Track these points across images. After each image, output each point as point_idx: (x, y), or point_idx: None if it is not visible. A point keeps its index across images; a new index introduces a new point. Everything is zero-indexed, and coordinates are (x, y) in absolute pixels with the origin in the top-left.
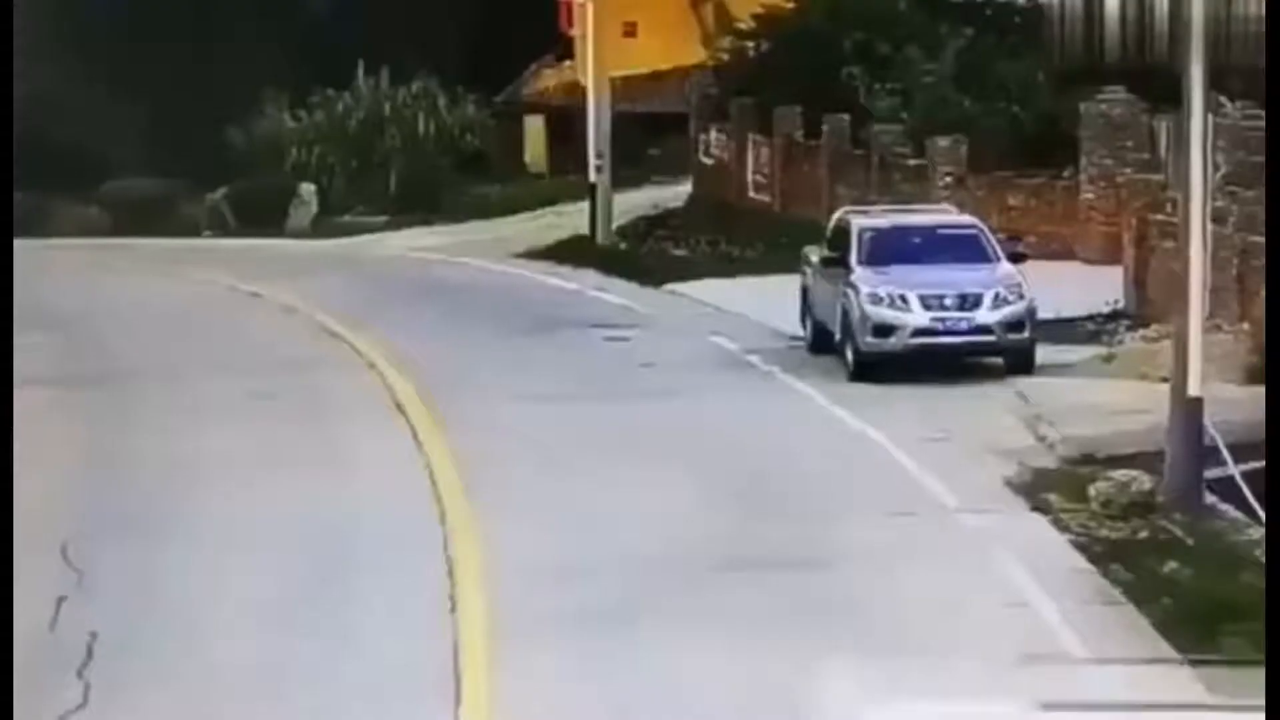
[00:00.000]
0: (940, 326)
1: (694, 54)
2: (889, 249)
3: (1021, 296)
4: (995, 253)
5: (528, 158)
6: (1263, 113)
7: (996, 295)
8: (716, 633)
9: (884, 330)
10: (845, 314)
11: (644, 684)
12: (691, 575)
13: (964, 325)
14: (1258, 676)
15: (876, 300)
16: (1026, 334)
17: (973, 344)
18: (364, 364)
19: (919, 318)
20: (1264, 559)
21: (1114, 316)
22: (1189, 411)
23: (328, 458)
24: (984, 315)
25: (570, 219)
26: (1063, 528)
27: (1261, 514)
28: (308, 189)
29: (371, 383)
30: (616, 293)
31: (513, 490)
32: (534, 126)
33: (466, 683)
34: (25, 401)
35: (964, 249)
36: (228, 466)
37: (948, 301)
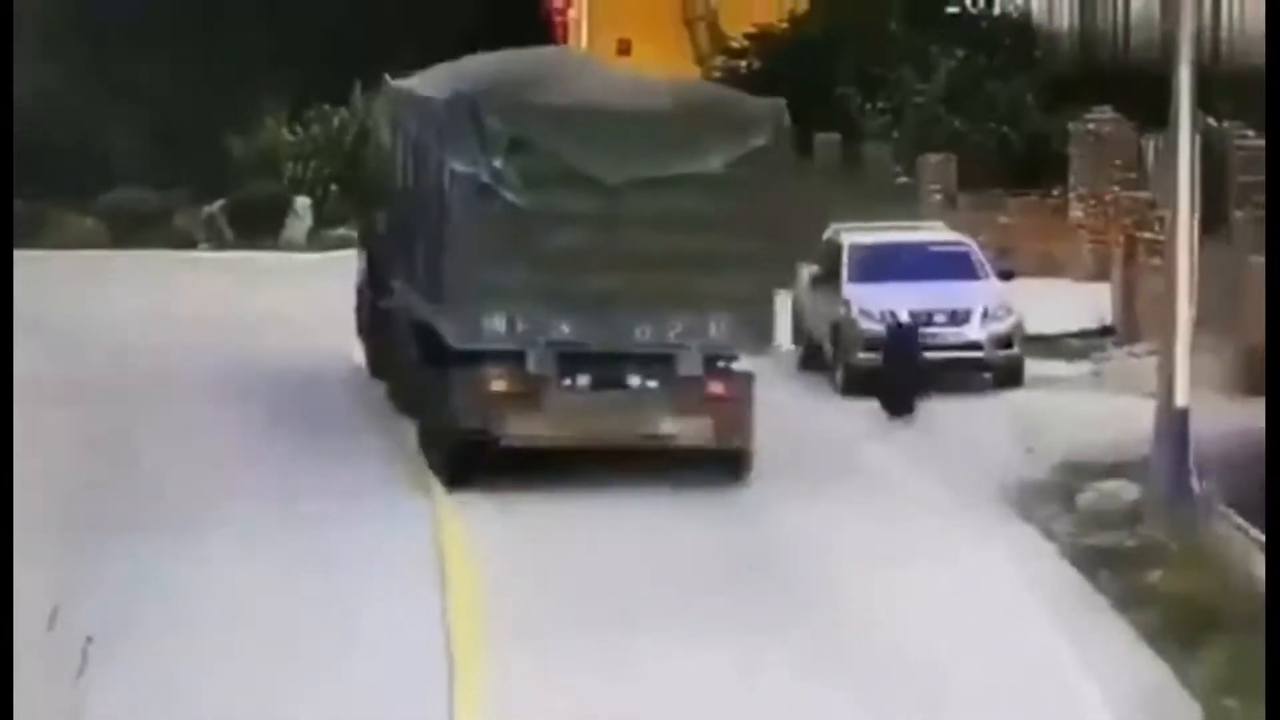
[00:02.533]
0: (930, 341)
1: (688, 71)
2: (879, 265)
3: (1010, 312)
4: (984, 270)
5: None
6: (1250, 133)
7: (985, 311)
8: None
9: (875, 345)
10: (836, 329)
11: None
12: None
13: (953, 340)
14: None
15: (867, 315)
16: (1015, 349)
17: (961, 359)
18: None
19: None
20: (1261, 561)
21: (1102, 332)
22: (1175, 423)
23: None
24: (973, 331)
25: None
26: (1051, 537)
27: (1244, 522)
28: (303, 203)
29: (373, 392)
30: None
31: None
32: None
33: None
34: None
35: (953, 266)
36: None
37: (937, 317)
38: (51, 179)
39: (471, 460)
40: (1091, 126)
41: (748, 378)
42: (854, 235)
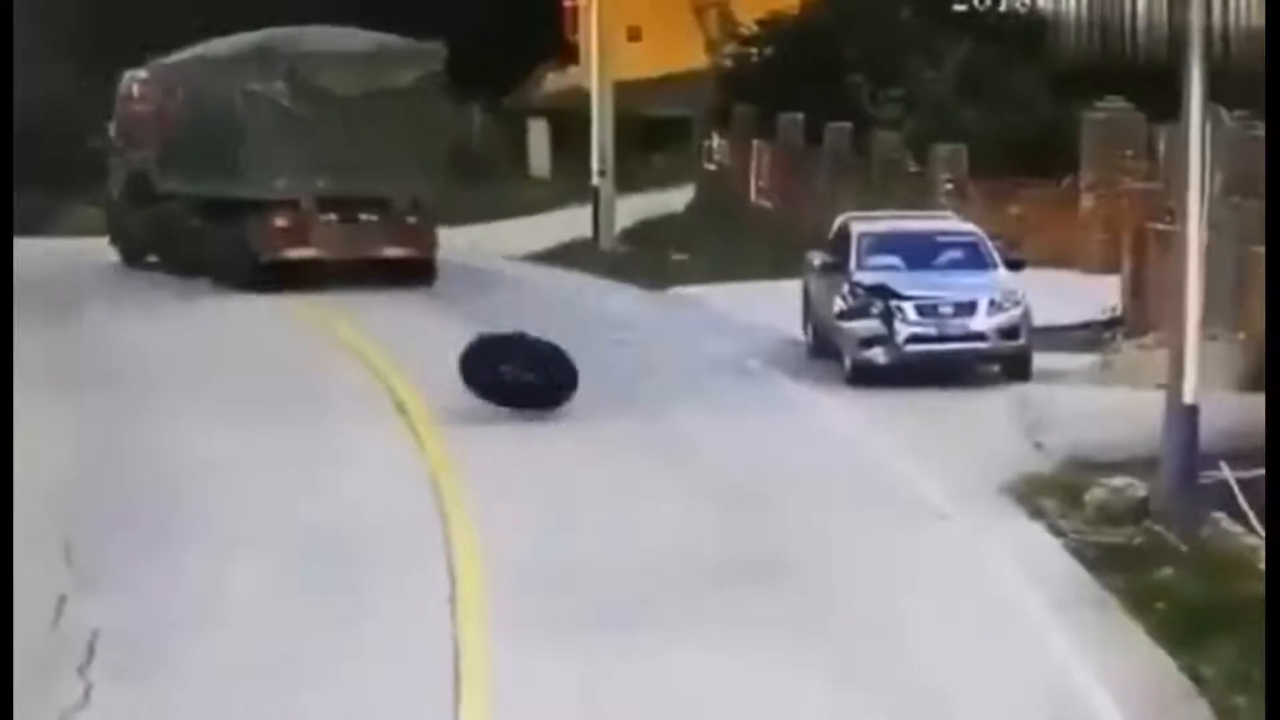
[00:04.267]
0: (935, 332)
1: (698, 59)
2: (888, 255)
3: (1017, 303)
4: (993, 260)
5: (531, 162)
6: (1261, 123)
7: (992, 302)
8: None
9: (874, 340)
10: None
11: None
12: None
13: (959, 331)
14: None
15: (872, 305)
16: (1022, 340)
17: (967, 350)
18: (367, 368)
19: (914, 324)
20: (1261, 564)
21: (1111, 324)
22: (1184, 418)
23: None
24: (979, 321)
25: (572, 222)
26: (1058, 533)
27: (1254, 519)
28: None
29: (379, 388)
30: (618, 295)
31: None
32: (537, 130)
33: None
34: None
35: (962, 255)
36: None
37: (943, 308)
38: (61, 173)
39: (264, 274)
40: (1102, 117)
41: (429, 216)
42: (863, 224)
